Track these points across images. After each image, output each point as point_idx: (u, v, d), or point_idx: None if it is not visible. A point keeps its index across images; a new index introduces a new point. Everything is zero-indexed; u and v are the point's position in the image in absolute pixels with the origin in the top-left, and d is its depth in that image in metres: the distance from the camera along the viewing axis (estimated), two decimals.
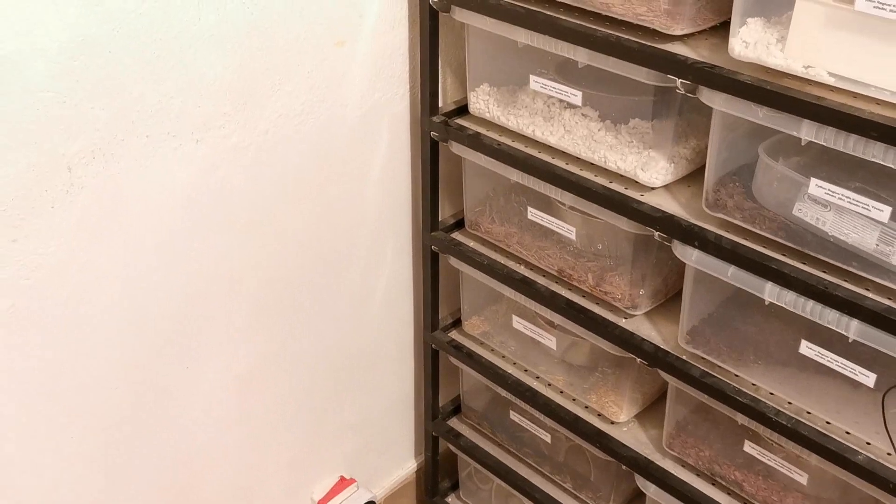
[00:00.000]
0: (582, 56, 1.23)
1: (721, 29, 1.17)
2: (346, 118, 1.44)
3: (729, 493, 1.37)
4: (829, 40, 1.01)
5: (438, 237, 1.57)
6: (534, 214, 1.44)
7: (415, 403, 1.88)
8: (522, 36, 1.28)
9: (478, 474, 1.90)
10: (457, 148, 1.46)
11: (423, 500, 1.96)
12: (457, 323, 1.72)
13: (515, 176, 1.40)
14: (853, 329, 1.07)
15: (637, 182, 1.28)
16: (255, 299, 1.45)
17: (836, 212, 1.07)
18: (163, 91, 1.18)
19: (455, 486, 1.95)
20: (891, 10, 0.93)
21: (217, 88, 1.24)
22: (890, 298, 1.05)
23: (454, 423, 1.81)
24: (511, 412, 1.67)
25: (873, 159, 0.98)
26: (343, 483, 1.75)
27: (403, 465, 1.94)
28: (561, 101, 1.35)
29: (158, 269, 1.29)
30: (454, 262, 1.58)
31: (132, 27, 1.11)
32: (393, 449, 1.89)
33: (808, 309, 1.10)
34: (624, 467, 1.46)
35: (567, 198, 1.34)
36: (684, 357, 1.30)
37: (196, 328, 1.38)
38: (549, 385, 1.57)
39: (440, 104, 1.50)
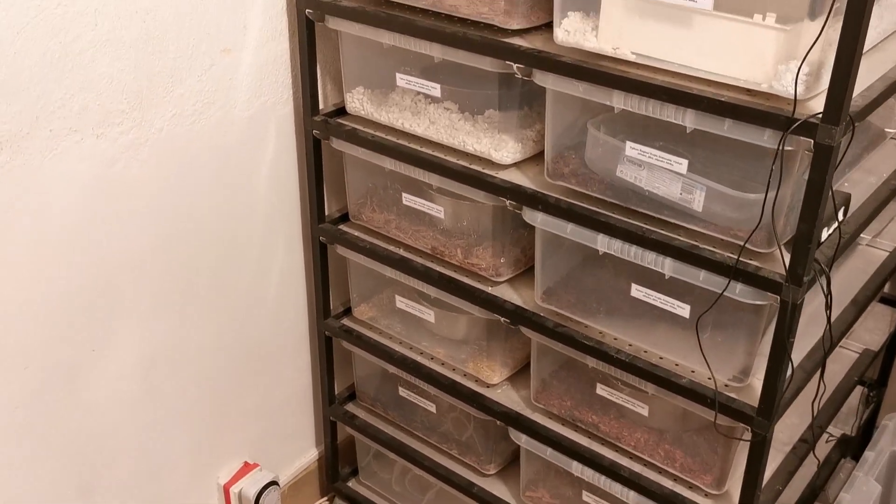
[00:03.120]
0: (437, 51, 1.42)
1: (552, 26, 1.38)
2: (235, 119, 1.60)
3: (589, 436, 1.55)
4: (631, 26, 1.23)
5: (325, 228, 1.74)
6: (408, 199, 1.62)
7: (313, 394, 2.01)
8: (386, 37, 1.47)
9: (377, 461, 2.04)
10: (336, 143, 1.64)
11: (326, 485, 2.08)
12: (347, 311, 1.87)
13: (389, 164, 1.57)
14: (667, 266, 1.28)
15: (492, 162, 1.47)
16: (156, 286, 1.57)
17: (649, 169, 1.28)
18: (64, 89, 1.32)
19: (355, 472, 2.08)
20: None
21: (114, 88, 1.38)
22: (694, 238, 1.27)
23: (350, 407, 1.96)
24: (400, 388, 1.83)
25: (668, 119, 1.20)
26: (247, 467, 1.86)
27: (306, 453, 2.06)
28: (426, 96, 1.54)
29: (63, 255, 1.40)
30: (341, 250, 1.74)
31: (34, 31, 1.25)
32: (295, 437, 2.01)
33: (632, 253, 1.31)
34: (499, 423, 1.63)
35: (434, 179, 1.53)
36: (541, 313, 1.49)
37: (100, 312, 1.49)
38: (432, 358, 1.73)
39: (321, 107, 1.68)
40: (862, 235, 1.71)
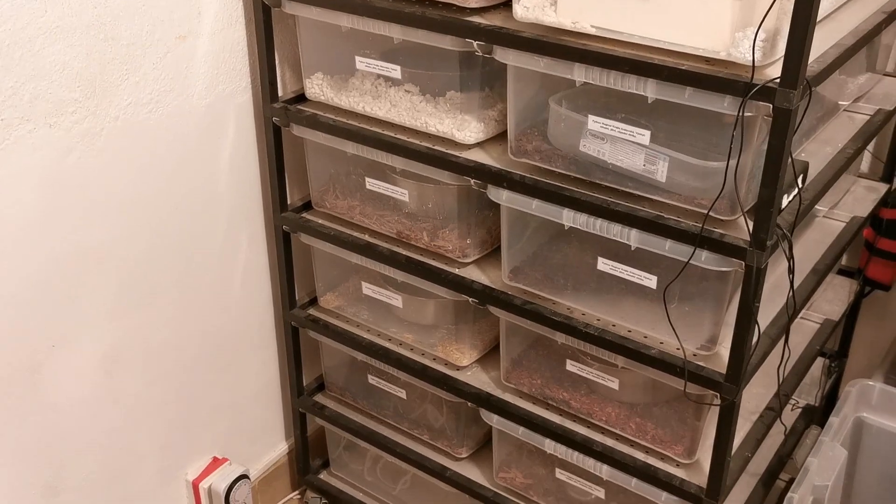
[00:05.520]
0: (396, 32, 1.41)
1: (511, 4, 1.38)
2: (193, 108, 1.57)
3: (560, 413, 1.55)
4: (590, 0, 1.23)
5: (288, 217, 1.72)
6: (371, 184, 1.61)
7: (281, 387, 1.99)
8: (344, 20, 1.46)
9: (347, 452, 2.02)
10: (297, 129, 1.62)
11: (297, 479, 2.06)
12: (313, 302, 1.86)
13: (351, 148, 1.56)
14: (633, 237, 1.29)
15: (455, 142, 1.47)
16: (118, 280, 1.54)
17: (611, 142, 1.29)
18: (14, 77, 1.29)
19: (327, 465, 2.06)
20: None
21: (66, 76, 1.35)
22: (659, 209, 1.28)
23: (319, 398, 1.94)
24: (369, 376, 1.82)
25: (629, 90, 1.21)
26: (216, 462, 1.84)
27: (276, 446, 2.03)
28: (386, 79, 1.53)
29: (17, 248, 1.37)
30: (305, 238, 1.72)
31: None
32: (264, 431, 1.99)
33: (598, 226, 1.31)
34: (470, 405, 1.62)
35: (397, 161, 1.52)
36: (508, 292, 1.49)
37: (58, 306, 1.46)
38: (401, 344, 1.72)
39: (280, 94, 1.66)
40: (819, 207, 1.75)
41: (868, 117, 1.61)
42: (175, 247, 1.63)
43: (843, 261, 2.02)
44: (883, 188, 1.85)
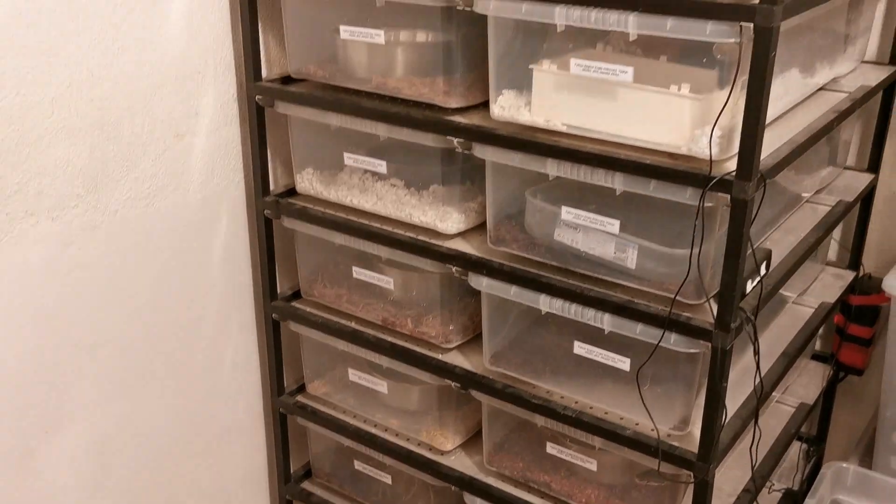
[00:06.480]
0: (382, 130, 1.51)
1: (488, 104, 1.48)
2: (188, 201, 1.65)
3: (542, 496, 1.58)
4: (561, 100, 1.33)
5: (278, 305, 1.78)
6: (358, 272, 1.68)
7: (269, 474, 2.01)
8: (334, 119, 1.56)
9: None
10: (288, 222, 1.70)
11: None
12: (301, 388, 1.90)
13: (339, 239, 1.64)
14: (606, 321, 1.35)
15: (438, 232, 1.55)
16: (111, 367, 1.59)
17: (584, 232, 1.36)
18: (21, 173, 1.36)
19: None
20: (595, 71, 1.26)
21: (70, 173, 1.43)
22: (630, 294, 1.34)
23: (306, 485, 1.96)
24: (355, 462, 1.85)
25: (598, 182, 1.29)
26: None
27: None
28: (373, 174, 1.62)
29: (17, 336, 1.42)
30: (293, 326, 1.78)
31: None
32: None
33: (573, 311, 1.38)
34: (454, 488, 1.65)
35: (383, 251, 1.59)
36: (490, 376, 1.54)
37: (55, 393, 1.50)
38: (386, 430, 1.76)
39: (272, 188, 1.74)
40: (788, 294, 1.82)
41: (829, 208, 1.70)
42: (167, 334, 1.68)
43: (817, 346, 2.09)
44: (850, 275, 1.93)
